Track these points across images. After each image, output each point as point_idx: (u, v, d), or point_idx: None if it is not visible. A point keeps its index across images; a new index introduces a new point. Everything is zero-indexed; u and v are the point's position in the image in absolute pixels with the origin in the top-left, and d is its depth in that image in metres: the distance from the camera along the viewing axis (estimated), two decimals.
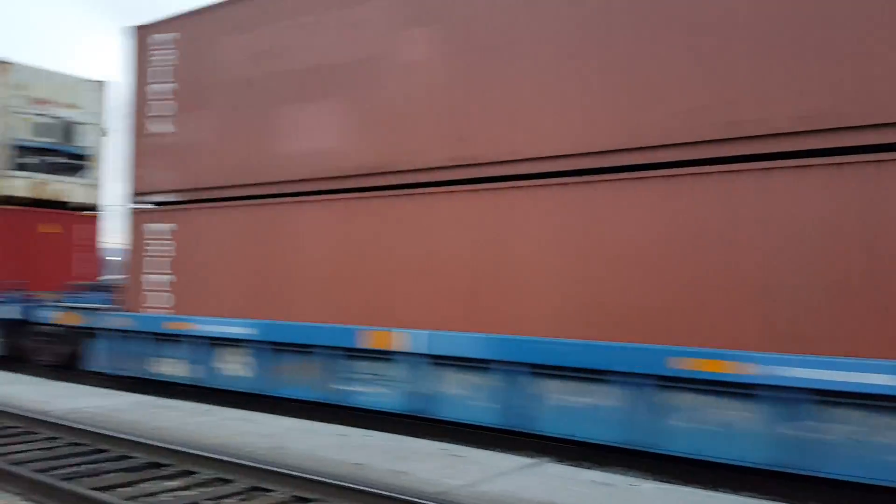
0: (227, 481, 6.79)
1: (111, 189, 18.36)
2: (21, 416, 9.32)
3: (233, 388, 11.32)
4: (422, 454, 7.75)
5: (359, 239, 10.19)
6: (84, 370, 13.56)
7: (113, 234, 17.68)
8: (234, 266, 11.64)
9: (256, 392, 11.03)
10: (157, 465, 7.36)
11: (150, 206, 12.93)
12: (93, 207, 18.02)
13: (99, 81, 18.23)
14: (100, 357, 13.12)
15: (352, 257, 10.24)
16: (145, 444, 7.72)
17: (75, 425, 8.63)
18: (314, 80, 10.74)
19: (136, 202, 13.07)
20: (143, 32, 13.05)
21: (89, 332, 13.26)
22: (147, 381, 12.54)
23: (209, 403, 11.00)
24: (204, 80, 12.17)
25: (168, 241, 12.34)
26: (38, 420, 9.05)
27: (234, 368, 11.31)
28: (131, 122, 13.06)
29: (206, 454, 7.20)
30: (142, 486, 6.73)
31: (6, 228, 16.63)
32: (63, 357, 14.13)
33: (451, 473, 6.97)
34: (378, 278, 9.92)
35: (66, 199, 17.50)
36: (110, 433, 8.18)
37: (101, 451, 7.93)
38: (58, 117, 17.16)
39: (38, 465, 7.28)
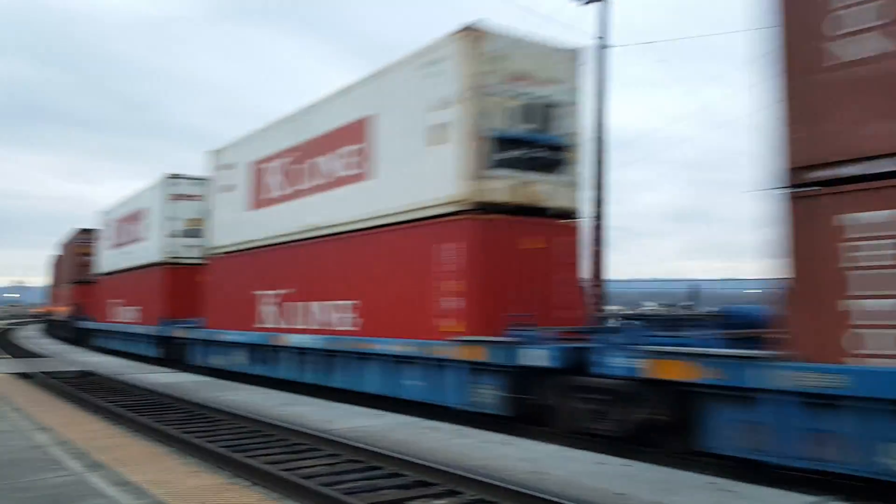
0: (491, 503, 6.93)
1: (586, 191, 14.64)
2: (307, 433, 10.33)
3: None
4: (688, 486, 7.33)
5: None
6: (688, 451, 8.97)
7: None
8: None
9: None
10: (426, 484, 7.72)
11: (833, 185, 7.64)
12: (572, 214, 13.74)
13: (572, 49, 14.05)
14: (729, 433, 8.43)
15: None
16: (414, 463, 8.14)
17: (353, 443, 9.36)
18: None
19: (797, 182, 7.86)
20: None
21: (704, 393, 8.62)
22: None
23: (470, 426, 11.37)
24: None
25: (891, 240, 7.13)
26: (321, 438, 9.96)
27: None
28: (780, 60, 8.12)
29: (470, 475, 7.42)
30: (413, 502, 7.10)
31: (491, 244, 12.47)
32: (630, 426, 9.57)
33: None
34: None
35: (546, 204, 13.35)
36: (383, 451, 8.76)
37: (375, 468, 8.52)
38: (537, 97, 13.35)
39: (323, 480, 7.99)
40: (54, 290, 54.74)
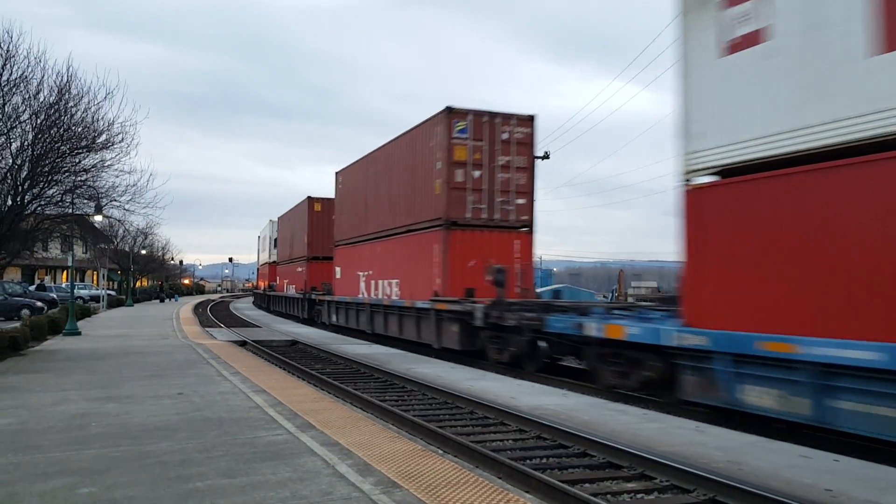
0: (684, 490, 6.75)
1: None
2: (494, 408, 10.60)
3: None
4: None
5: None
6: None
7: None
8: None
9: None
10: (615, 466, 7.67)
11: None
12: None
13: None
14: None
15: None
16: (602, 444, 8.11)
17: (540, 420, 9.48)
18: None
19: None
20: None
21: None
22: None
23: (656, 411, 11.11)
24: None
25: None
26: (508, 413, 10.18)
27: None
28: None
29: (661, 460, 7.27)
30: (603, 483, 7.09)
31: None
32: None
33: None
34: None
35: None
36: (571, 431, 8.79)
37: (563, 446, 8.58)
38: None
39: (512, 454, 8.18)
40: (259, 268, 60.46)
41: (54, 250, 48.30)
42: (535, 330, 14.95)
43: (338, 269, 30.82)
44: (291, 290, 41.94)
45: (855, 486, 6.66)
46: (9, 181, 18.03)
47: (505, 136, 20.17)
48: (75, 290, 28.97)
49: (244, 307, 58.50)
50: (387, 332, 23.87)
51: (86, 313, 34.32)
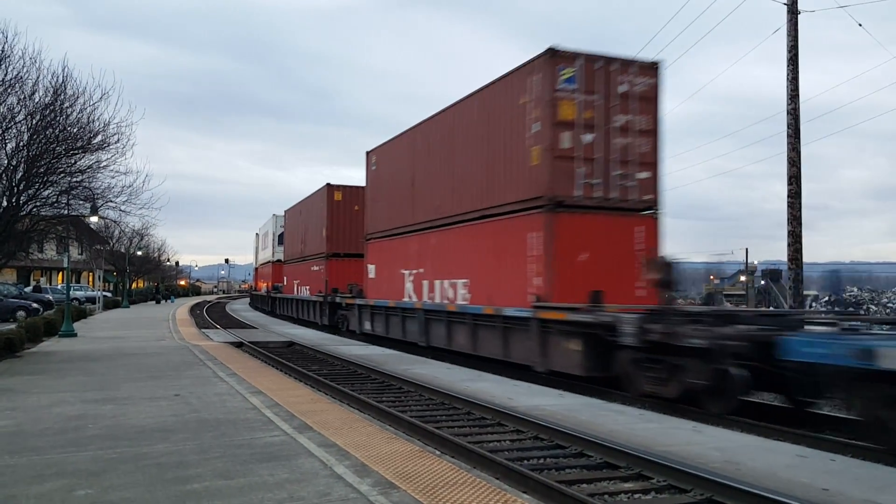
0: (681, 490, 6.76)
1: None
2: (491, 408, 10.60)
3: None
4: None
5: None
6: None
7: None
8: None
9: None
10: (612, 466, 7.68)
11: None
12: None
13: None
14: None
15: None
16: (599, 444, 8.12)
17: (537, 421, 9.49)
18: None
19: None
20: None
21: None
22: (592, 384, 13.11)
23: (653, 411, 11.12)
24: None
25: None
26: (505, 413, 10.18)
27: None
28: None
29: (658, 460, 7.28)
30: (600, 484, 7.10)
31: None
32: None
33: None
34: None
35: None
36: (568, 431, 8.80)
37: (560, 446, 8.59)
38: None
39: (509, 455, 8.18)
40: (259, 268, 60.07)
41: (50, 252, 48.23)
42: (738, 354, 10.48)
43: (371, 268, 25.94)
44: (304, 292, 37.52)
45: (851, 486, 6.68)
46: (4, 182, 17.98)
47: (623, 87, 15.50)
48: (71, 292, 28.92)
49: (241, 308, 58.41)
50: (451, 345, 18.92)
51: (82, 315, 34.25)
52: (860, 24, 15.56)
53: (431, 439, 8.94)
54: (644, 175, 15.55)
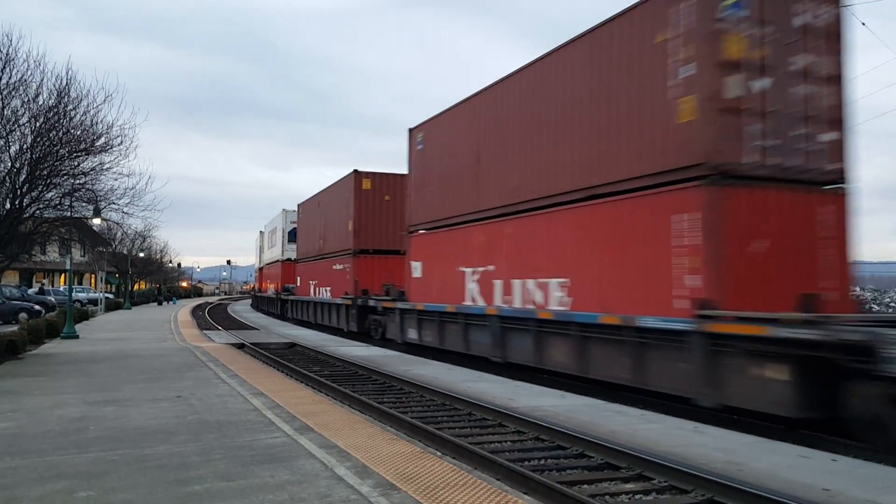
0: (683, 491, 6.76)
1: None
2: (492, 409, 10.60)
3: None
4: None
5: None
6: None
7: None
8: None
9: None
10: (613, 467, 7.68)
11: None
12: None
13: None
14: None
15: None
16: (601, 445, 8.12)
17: (539, 422, 9.49)
18: None
19: None
20: None
21: None
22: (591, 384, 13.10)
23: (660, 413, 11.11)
24: None
25: None
26: (506, 414, 10.18)
27: None
28: None
29: (659, 461, 7.28)
30: (601, 484, 7.10)
31: None
32: None
33: None
34: None
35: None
36: (569, 432, 8.80)
37: (561, 447, 8.59)
38: None
39: (510, 456, 8.18)
40: (264, 268, 59.90)
41: (52, 253, 48.26)
42: None
43: (416, 265, 21.82)
44: (325, 294, 33.03)
45: (853, 486, 6.68)
46: (7, 184, 18.00)
47: (801, 19, 11.67)
48: (73, 294, 28.96)
49: (242, 310, 58.46)
50: (542, 362, 14.94)
51: (84, 316, 34.30)
52: (863, 24, 15.38)
53: (432, 440, 8.94)
54: (830, 136, 11.83)
